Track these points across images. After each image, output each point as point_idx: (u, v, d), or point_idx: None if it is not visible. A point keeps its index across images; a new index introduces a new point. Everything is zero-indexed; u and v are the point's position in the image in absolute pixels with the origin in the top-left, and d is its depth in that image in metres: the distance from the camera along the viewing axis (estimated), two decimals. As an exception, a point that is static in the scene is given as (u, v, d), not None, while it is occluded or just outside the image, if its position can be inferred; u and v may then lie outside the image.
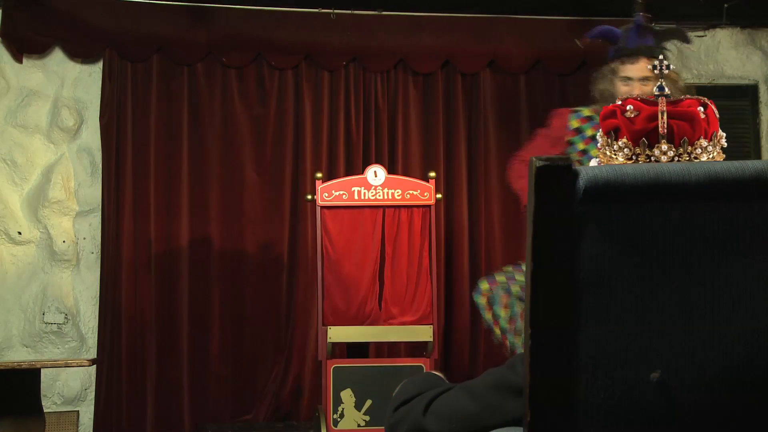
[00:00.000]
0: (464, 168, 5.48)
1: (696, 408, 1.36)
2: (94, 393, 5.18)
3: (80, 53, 5.29)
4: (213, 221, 5.30)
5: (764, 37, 5.92)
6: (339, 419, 4.42)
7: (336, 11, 5.41)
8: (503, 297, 3.87)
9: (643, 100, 1.70)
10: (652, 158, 1.66)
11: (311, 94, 5.43)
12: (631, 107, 1.69)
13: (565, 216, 1.30)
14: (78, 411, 5.23)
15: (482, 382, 1.59)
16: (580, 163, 3.78)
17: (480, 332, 5.41)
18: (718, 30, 5.86)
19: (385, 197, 4.57)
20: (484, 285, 3.97)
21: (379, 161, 5.15)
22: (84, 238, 5.30)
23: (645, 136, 1.67)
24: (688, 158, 1.64)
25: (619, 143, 1.70)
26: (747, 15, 5.70)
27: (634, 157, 1.68)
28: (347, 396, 4.43)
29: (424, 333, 4.50)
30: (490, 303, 3.89)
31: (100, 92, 5.27)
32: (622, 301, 1.32)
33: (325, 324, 4.49)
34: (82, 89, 5.33)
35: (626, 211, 1.31)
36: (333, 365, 4.44)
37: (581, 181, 1.29)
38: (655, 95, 1.70)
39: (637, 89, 3.65)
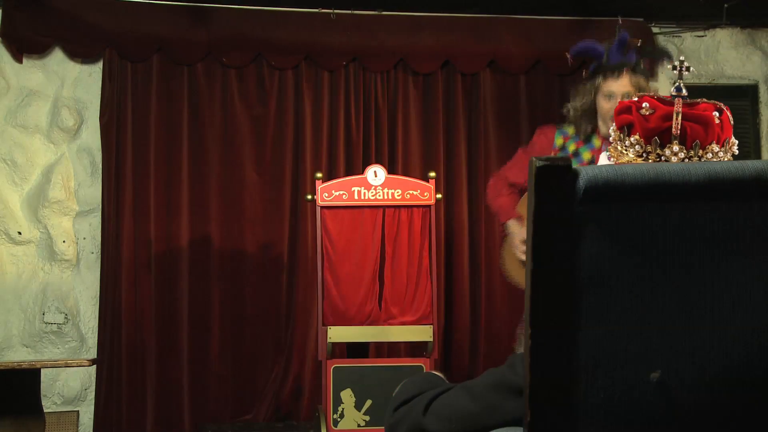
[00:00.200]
0: (464, 168, 5.49)
1: (696, 408, 1.36)
2: (94, 393, 5.18)
3: (80, 53, 5.29)
4: (213, 221, 5.30)
5: (764, 37, 5.92)
6: (339, 419, 4.42)
7: (336, 11, 5.41)
8: None
9: (659, 99, 1.69)
10: (663, 158, 1.66)
11: (311, 94, 5.43)
12: (647, 105, 1.69)
13: (565, 216, 1.30)
14: (78, 411, 5.23)
15: (482, 382, 1.59)
16: None
17: (480, 332, 5.41)
18: (718, 30, 5.86)
19: (385, 197, 4.57)
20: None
21: (379, 161, 5.15)
22: (84, 238, 5.30)
23: (658, 135, 1.66)
24: (698, 162, 1.64)
25: (632, 139, 1.70)
26: (747, 15, 5.70)
27: (644, 155, 1.68)
28: (347, 396, 4.43)
29: (424, 333, 4.50)
30: None
31: (100, 92, 5.27)
32: (622, 301, 1.32)
33: (325, 324, 4.49)
34: (82, 89, 5.33)
35: (626, 211, 1.31)
36: (333, 365, 4.44)
37: (581, 181, 1.29)
38: (672, 95, 1.70)
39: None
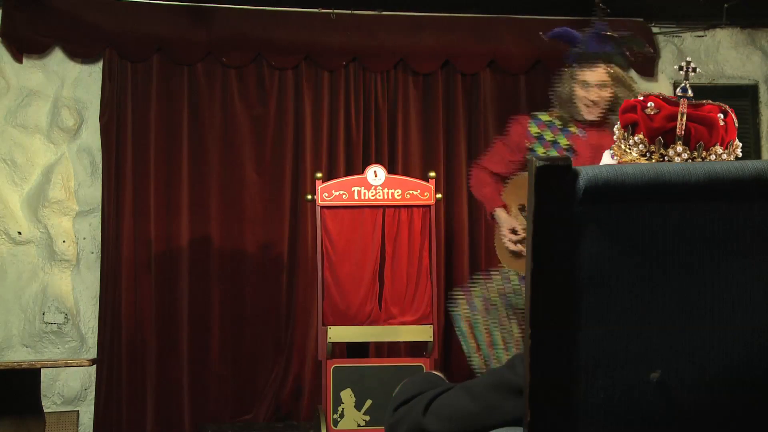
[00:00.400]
0: (464, 168, 5.48)
1: (696, 408, 1.36)
2: (94, 393, 5.18)
3: (80, 53, 5.29)
4: (213, 221, 5.30)
5: (764, 37, 5.92)
6: (339, 419, 4.42)
7: (336, 11, 5.41)
8: (482, 314, 3.89)
9: (665, 99, 1.70)
10: (666, 158, 1.66)
11: (311, 94, 5.43)
12: (652, 104, 1.69)
13: (565, 216, 1.30)
14: (78, 411, 5.23)
15: (482, 382, 1.59)
16: None
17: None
18: (718, 30, 5.86)
19: (385, 197, 4.57)
20: (462, 306, 3.97)
21: (379, 161, 5.15)
22: (84, 238, 5.30)
23: (662, 135, 1.67)
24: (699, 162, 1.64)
25: (635, 138, 1.70)
26: (747, 15, 5.70)
27: (648, 155, 1.68)
28: (347, 396, 4.43)
29: (424, 333, 4.50)
30: (472, 328, 3.91)
31: (100, 92, 5.27)
32: (622, 301, 1.32)
33: (325, 324, 4.49)
34: (82, 89, 5.33)
35: (626, 211, 1.31)
36: (333, 365, 4.44)
37: (581, 181, 1.29)
38: (678, 96, 1.70)
39: (595, 94, 3.70)
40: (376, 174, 4.60)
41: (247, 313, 5.30)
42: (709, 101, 1.72)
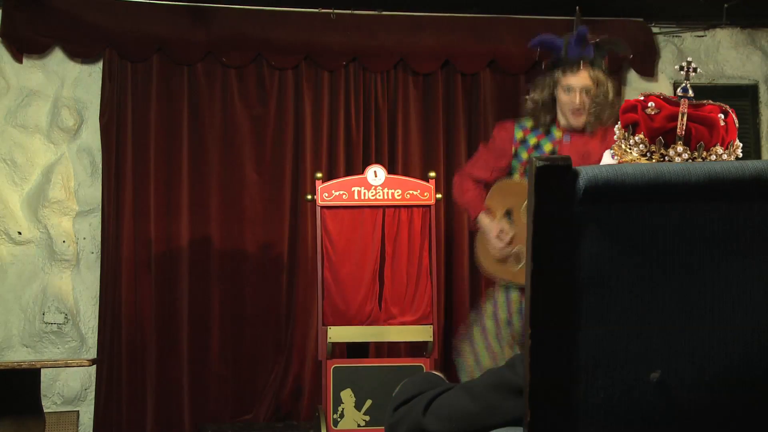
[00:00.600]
0: (464, 168, 5.49)
1: (696, 408, 1.36)
2: (94, 393, 5.18)
3: (80, 53, 5.29)
4: (213, 221, 5.30)
5: (764, 37, 5.92)
6: (339, 419, 4.42)
7: (336, 11, 5.41)
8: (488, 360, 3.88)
9: (665, 99, 1.70)
10: (666, 158, 1.66)
11: (311, 94, 5.43)
12: (653, 104, 1.69)
13: (565, 216, 1.30)
14: (78, 411, 5.23)
15: (482, 382, 1.59)
16: (525, 173, 3.82)
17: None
18: (718, 30, 5.86)
19: (385, 197, 4.57)
20: (467, 358, 3.96)
21: (379, 161, 5.15)
22: (84, 238, 5.30)
23: (662, 135, 1.67)
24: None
25: (636, 138, 1.70)
26: (747, 15, 5.69)
27: (648, 154, 1.68)
28: (347, 396, 4.43)
29: (424, 333, 4.50)
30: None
31: (100, 92, 5.27)
32: (622, 301, 1.32)
33: (325, 324, 4.49)
34: (82, 89, 5.33)
35: (626, 211, 1.31)
36: (333, 365, 4.44)
37: (581, 181, 1.29)
38: (678, 96, 1.70)
39: (578, 98, 3.69)
40: (376, 174, 4.60)
41: (247, 313, 5.30)
42: (710, 101, 1.72)
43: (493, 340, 3.85)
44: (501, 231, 3.80)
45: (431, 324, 4.51)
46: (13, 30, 5.14)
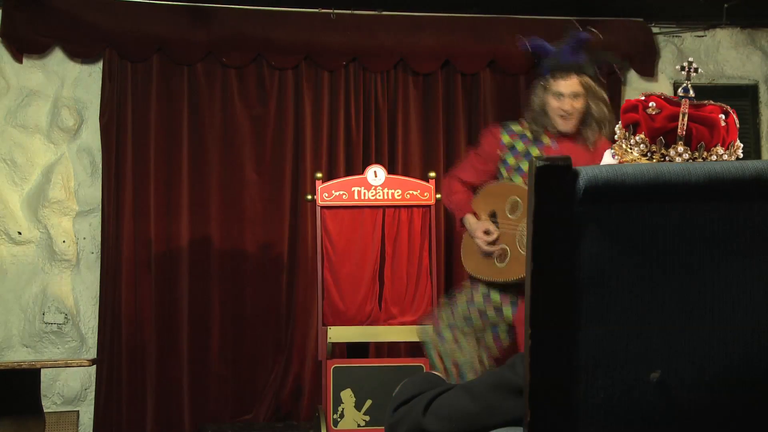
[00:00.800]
0: (464, 168, 5.49)
1: (696, 408, 1.36)
2: (94, 393, 5.18)
3: (80, 53, 5.29)
4: (213, 221, 5.30)
5: (764, 37, 5.92)
6: (339, 419, 4.42)
7: (336, 11, 5.41)
8: (450, 344, 3.88)
9: (666, 99, 1.70)
10: (667, 158, 1.66)
11: (311, 94, 5.43)
12: (654, 104, 1.69)
13: (565, 216, 1.30)
14: (78, 411, 5.23)
15: (482, 382, 1.59)
16: (511, 179, 3.83)
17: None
18: (718, 30, 5.86)
19: (385, 197, 4.57)
20: (432, 337, 3.97)
21: (379, 161, 5.15)
22: (84, 238, 5.30)
23: (663, 135, 1.67)
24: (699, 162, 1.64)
25: (636, 138, 1.70)
26: (747, 15, 5.69)
27: (649, 154, 1.68)
28: (347, 396, 4.43)
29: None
30: (441, 358, 3.92)
31: (100, 92, 5.27)
32: (622, 301, 1.32)
33: (325, 324, 4.49)
34: (82, 89, 5.33)
35: (626, 211, 1.31)
36: (333, 365, 4.44)
37: (581, 181, 1.29)
38: (679, 96, 1.70)
39: (568, 104, 3.70)
40: (376, 174, 4.60)
41: (247, 313, 5.30)
42: (711, 102, 1.72)
43: (459, 321, 3.86)
44: (486, 230, 3.80)
45: (431, 324, 4.51)
46: (13, 30, 5.14)
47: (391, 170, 5.03)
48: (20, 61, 5.23)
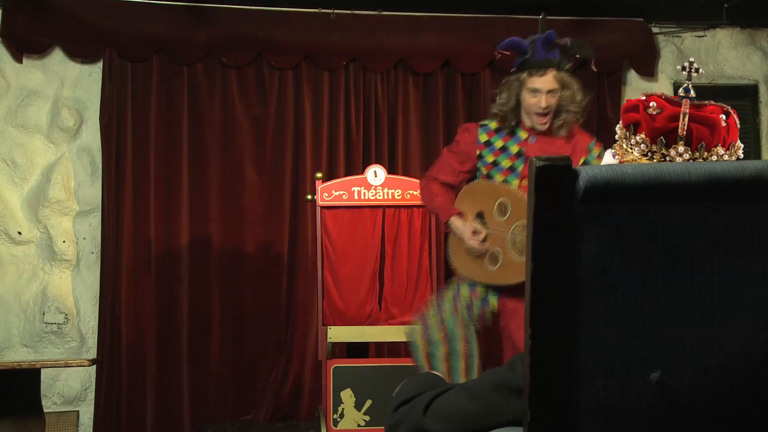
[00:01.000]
0: (464, 168, 5.48)
1: (696, 408, 1.36)
2: (94, 393, 5.18)
3: (80, 53, 5.29)
4: (213, 221, 5.30)
5: (764, 37, 5.92)
6: (339, 419, 4.42)
7: (336, 11, 5.41)
8: (441, 342, 3.86)
9: (667, 99, 1.70)
10: (668, 158, 1.66)
11: (311, 94, 5.43)
12: (655, 104, 1.69)
13: (565, 216, 1.30)
14: (78, 411, 5.23)
15: (482, 382, 1.59)
16: (489, 177, 3.80)
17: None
18: (718, 30, 5.86)
19: (385, 197, 4.57)
20: (419, 336, 3.94)
21: (379, 161, 5.15)
22: (84, 238, 5.30)
23: (663, 135, 1.67)
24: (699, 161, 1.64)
25: (637, 138, 1.70)
26: (747, 15, 5.70)
27: (649, 154, 1.68)
28: (347, 396, 4.43)
29: (424, 333, 4.49)
30: (430, 359, 3.88)
31: (100, 92, 5.27)
32: (621, 301, 1.32)
33: (325, 324, 4.49)
34: (82, 89, 5.33)
35: (626, 211, 1.31)
36: (333, 365, 4.44)
37: (581, 181, 1.29)
38: (680, 96, 1.70)
39: (545, 101, 3.68)
40: (376, 174, 4.60)
41: (247, 313, 5.30)
42: (712, 102, 1.72)
43: (448, 318, 3.84)
44: (474, 231, 3.78)
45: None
46: (13, 30, 5.14)
47: (391, 170, 5.03)
48: (20, 61, 5.24)
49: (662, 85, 5.77)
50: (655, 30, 5.81)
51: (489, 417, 1.54)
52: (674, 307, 1.33)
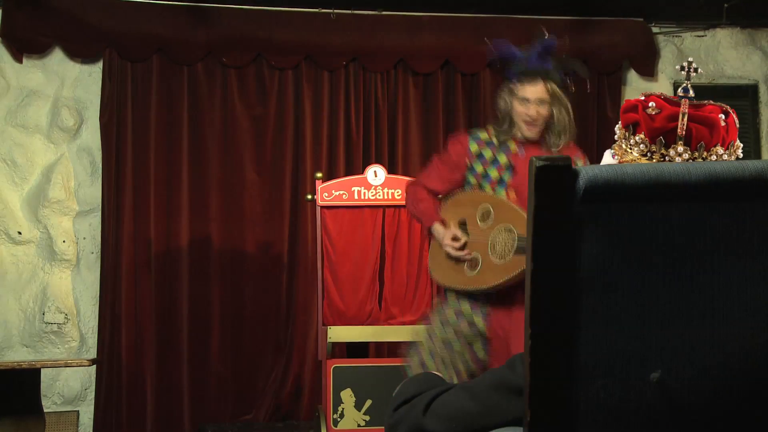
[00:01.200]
0: (464, 168, 5.48)
1: (696, 408, 1.36)
2: (94, 393, 5.18)
3: (80, 53, 5.29)
4: (213, 221, 5.30)
5: (764, 37, 5.92)
6: (339, 419, 4.42)
7: (336, 11, 5.41)
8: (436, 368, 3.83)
9: (666, 99, 1.70)
10: (667, 158, 1.66)
11: (311, 94, 5.44)
12: (654, 104, 1.69)
13: (565, 216, 1.30)
14: (78, 411, 5.23)
15: (482, 382, 1.59)
16: (480, 186, 3.79)
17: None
18: (718, 30, 5.86)
19: (385, 197, 4.57)
20: (414, 365, 3.91)
21: (379, 161, 5.15)
22: (84, 238, 5.30)
23: (663, 135, 1.67)
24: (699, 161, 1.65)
25: (636, 138, 1.70)
26: (747, 15, 5.70)
27: (649, 154, 1.68)
28: (347, 396, 4.43)
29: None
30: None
31: (100, 92, 5.27)
32: (621, 301, 1.32)
33: (325, 324, 4.49)
34: (82, 89, 5.33)
35: (626, 211, 1.31)
36: (333, 365, 4.44)
37: (581, 181, 1.29)
38: (679, 96, 1.70)
39: (534, 110, 3.67)
40: (376, 174, 4.60)
41: (247, 313, 5.30)
42: (711, 102, 1.72)
43: (440, 348, 3.80)
44: (454, 237, 3.75)
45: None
46: (13, 30, 5.14)
47: (391, 170, 5.03)
48: (20, 61, 5.24)
49: (662, 85, 5.77)
50: (655, 30, 5.81)
51: (489, 417, 1.54)
52: (674, 307, 1.33)
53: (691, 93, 1.72)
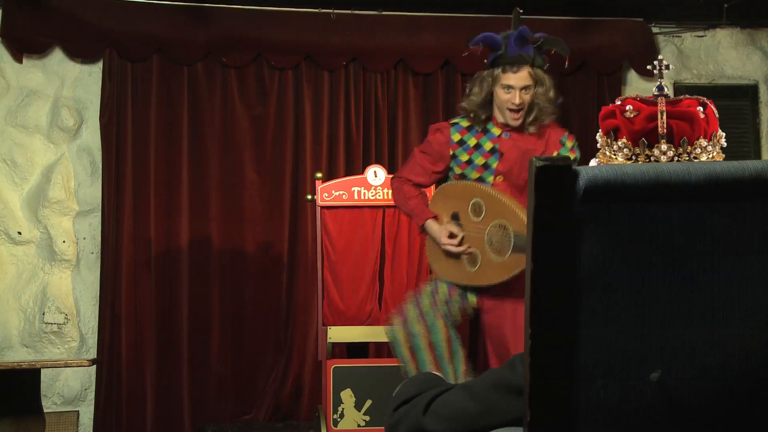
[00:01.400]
0: (464, 168, 5.49)
1: (696, 408, 1.36)
2: (94, 393, 5.18)
3: (80, 53, 5.29)
4: (213, 221, 5.30)
5: (764, 37, 5.92)
6: (339, 419, 4.42)
7: (336, 11, 5.41)
8: (421, 329, 3.83)
9: (642, 100, 1.71)
10: (652, 158, 1.67)
11: (311, 94, 5.43)
12: (631, 107, 1.70)
13: (565, 216, 1.30)
14: (78, 411, 5.23)
15: (482, 382, 1.59)
16: (464, 176, 3.77)
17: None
18: (718, 30, 5.86)
19: (385, 197, 4.57)
20: (398, 325, 3.91)
21: (379, 161, 5.15)
22: (84, 238, 5.30)
23: (644, 136, 1.67)
24: (687, 158, 1.65)
25: (619, 143, 1.70)
26: (747, 15, 5.70)
27: (633, 157, 1.68)
28: (347, 396, 4.43)
29: (424, 333, 4.49)
30: (413, 352, 3.85)
31: (100, 92, 5.27)
32: (621, 301, 1.32)
33: (325, 324, 4.49)
34: (82, 89, 5.33)
35: (626, 211, 1.31)
36: (333, 365, 4.44)
37: (581, 181, 1.29)
38: (655, 95, 1.70)
39: (518, 97, 3.66)
40: (376, 174, 4.60)
41: (247, 313, 5.30)
42: (686, 96, 1.73)
43: (427, 310, 3.82)
44: (451, 234, 3.75)
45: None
46: (13, 30, 5.14)
47: (391, 170, 5.02)
48: (20, 61, 5.24)
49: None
50: (655, 30, 5.80)
51: (489, 417, 1.54)
52: (674, 307, 1.33)
53: (666, 90, 1.72)
